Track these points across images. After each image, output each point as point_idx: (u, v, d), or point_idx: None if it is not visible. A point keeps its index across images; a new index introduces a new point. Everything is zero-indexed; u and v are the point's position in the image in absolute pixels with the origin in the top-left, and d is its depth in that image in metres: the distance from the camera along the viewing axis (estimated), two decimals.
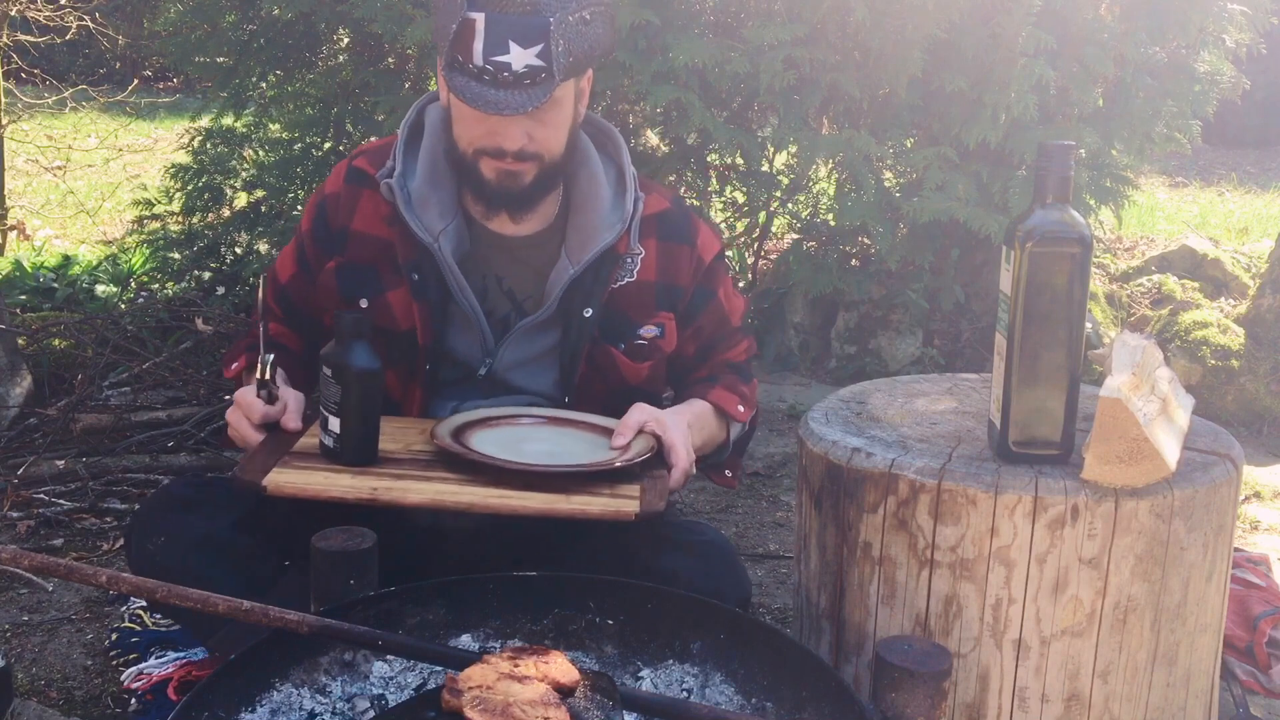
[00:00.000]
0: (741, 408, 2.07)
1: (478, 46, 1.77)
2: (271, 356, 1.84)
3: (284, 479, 1.66)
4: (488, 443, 1.82)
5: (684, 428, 1.90)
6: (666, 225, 2.05)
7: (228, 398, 3.52)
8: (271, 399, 1.84)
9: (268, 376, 1.83)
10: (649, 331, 2.04)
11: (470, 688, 1.24)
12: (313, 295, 2.08)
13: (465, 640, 1.47)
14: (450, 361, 2.04)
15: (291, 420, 1.86)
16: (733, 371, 2.13)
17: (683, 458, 1.84)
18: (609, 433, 1.88)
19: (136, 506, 3.03)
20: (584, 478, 1.72)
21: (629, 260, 2.01)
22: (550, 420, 1.95)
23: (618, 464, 1.76)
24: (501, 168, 1.88)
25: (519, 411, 1.96)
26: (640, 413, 1.88)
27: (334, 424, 1.72)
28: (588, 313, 1.98)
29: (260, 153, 4.35)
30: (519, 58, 1.77)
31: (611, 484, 1.72)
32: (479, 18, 1.77)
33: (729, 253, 5.14)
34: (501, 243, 2.00)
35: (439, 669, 1.40)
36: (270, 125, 4.39)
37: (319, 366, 1.77)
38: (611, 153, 2.06)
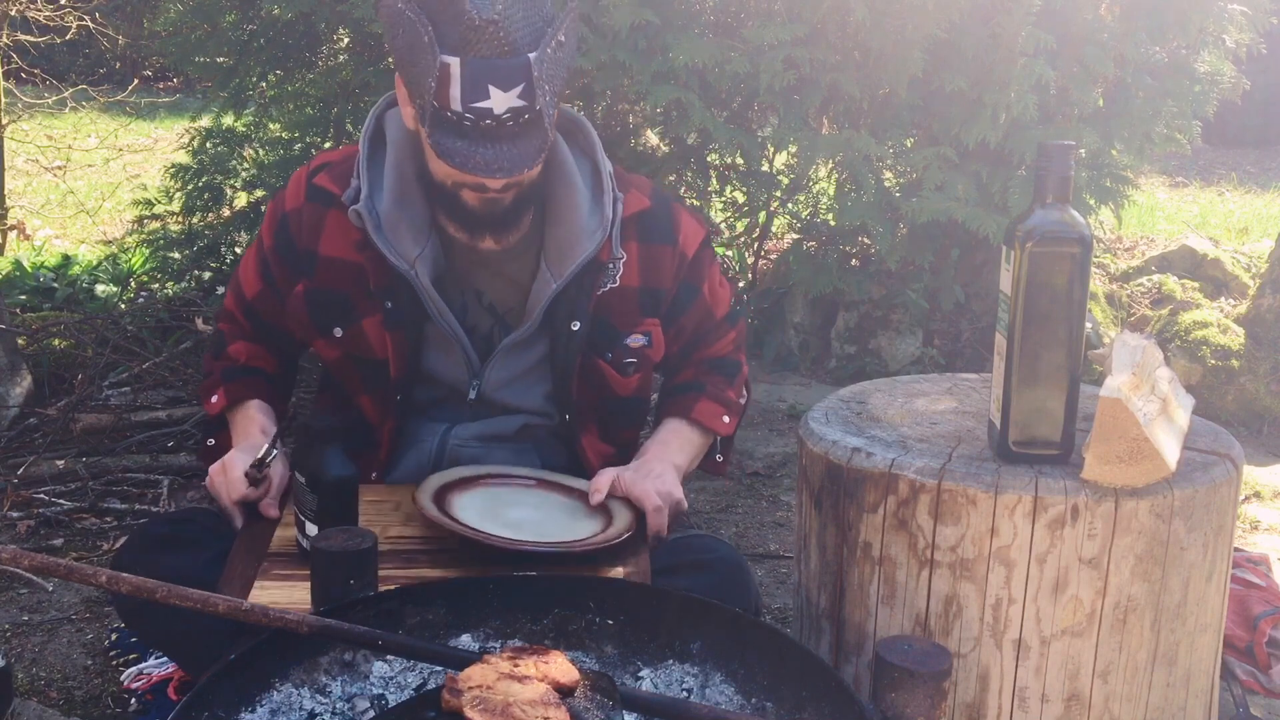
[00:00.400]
0: (726, 418, 2.04)
1: (454, 93, 1.67)
2: (276, 451, 1.83)
3: (268, 598, 1.65)
4: (469, 509, 1.81)
5: (651, 471, 1.88)
6: (647, 225, 1.99)
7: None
8: (256, 483, 1.83)
9: (266, 463, 1.82)
10: (636, 341, 1.99)
11: (470, 688, 1.24)
12: (281, 313, 2.02)
13: (465, 640, 1.47)
14: (432, 385, 2.00)
15: (271, 508, 1.85)
16: (718, 371, 2.08)
17: (653, 499, 1.82)
18: (580, 494, 1.88)
19: (135, 507, 3.04)
20: (574, 557, 1.71)
21: (611, 266, 1.95)
22: (535, 483, 1.93)
23: (605, 542, 1.75)
24: (483, 196, 1.81)
25: (497, 471, 1.94)
26: (606, 476, 1.87)
27: (312, 529, 1.71)
28: (575, 325, 1.93)
29: (260, 153, 4.34)
30: (500, 101, 1.68)
31: (593, 567, 1.73)
32: (454, 63, 1.66)
33: (729, 252, 5.14)
34: (479, 257, 1.93)
35: (439, 669, 1.40)
36: (270, 125, 4.38)
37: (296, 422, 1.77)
38: (585, 148, 1.97)
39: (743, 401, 2.12)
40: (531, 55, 1.68)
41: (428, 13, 1.69)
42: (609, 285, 1.96)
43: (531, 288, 1.94)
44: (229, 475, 1.83)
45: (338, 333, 1.95)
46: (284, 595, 1.65)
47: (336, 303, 1.95)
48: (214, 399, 2.02)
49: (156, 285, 4.64)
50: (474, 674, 1.26)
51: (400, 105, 1.87)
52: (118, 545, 2.81)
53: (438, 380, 2.00)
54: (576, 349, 1.95)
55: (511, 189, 1.81)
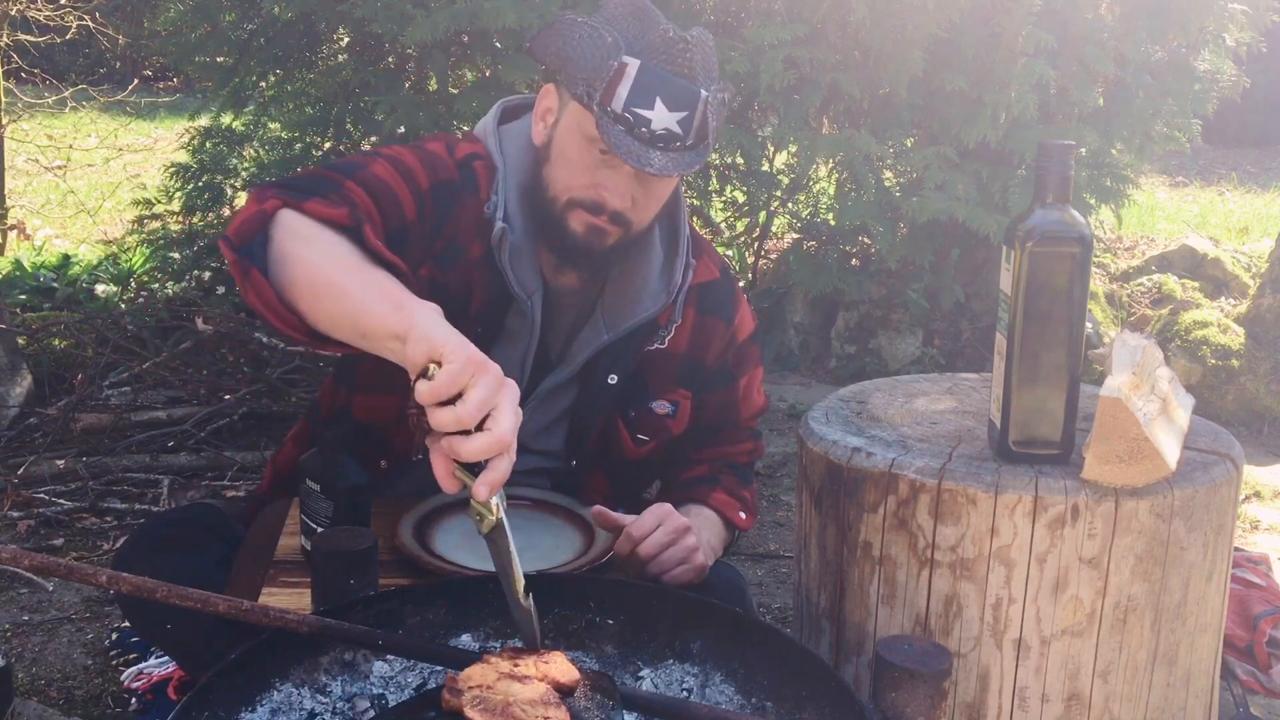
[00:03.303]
0: (743, 514, 1.97)
1: (622, 91, 1.65)
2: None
3: (275, 604, 1.63)
4: (453, 532, 1.80)
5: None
6: (710, 298, 1.97)
7: (228, 397, 3.54)
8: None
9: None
10: (661, 408, 1.95)
11: (470, 687, 1.24)
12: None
13: (465, 640, 1.47)
14: None
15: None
16: (733, 472, 2.02)
17: (642, 526, 1.69)
18: (572, 516, 1.85)
19: (135, 507, 3.04)
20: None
21: (663, 329, 1.92)
22: (533, 505, 1.90)
23: (583, 566, 1.72)
24: (592, 223, 1.74)
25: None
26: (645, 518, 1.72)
27: None
28: (612, 379, 1.89)
29: (260, 152, 4.35)
30: (660, 118, 1.66)
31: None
32: (632, 64, 1.66)
33: (729, 252, 5.14)
34: (548, 295, 1.87)
35: (439, 669, 1.40)
36: (270, 125, 4.38)
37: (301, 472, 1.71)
38: (669, 209, 1.92)
39: (756, 507, 2.05)
40: (705, 90, 1.68)
41: (615, 26, 1.69)
42: (656, 345, 1.93)
43: (579, 334, 1.90)
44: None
45: None
46: (292, 602, 1.64)
47: (451, 308, 1.86)
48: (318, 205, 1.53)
49: (156, 285, 4.64)
50: (474, 674, 1.26)
51: (535, 120, 1.81)
52: (118, 545, 2.81)
53: None
54: (605, 403, 1.91)
55: (619, 225, 1.76)
